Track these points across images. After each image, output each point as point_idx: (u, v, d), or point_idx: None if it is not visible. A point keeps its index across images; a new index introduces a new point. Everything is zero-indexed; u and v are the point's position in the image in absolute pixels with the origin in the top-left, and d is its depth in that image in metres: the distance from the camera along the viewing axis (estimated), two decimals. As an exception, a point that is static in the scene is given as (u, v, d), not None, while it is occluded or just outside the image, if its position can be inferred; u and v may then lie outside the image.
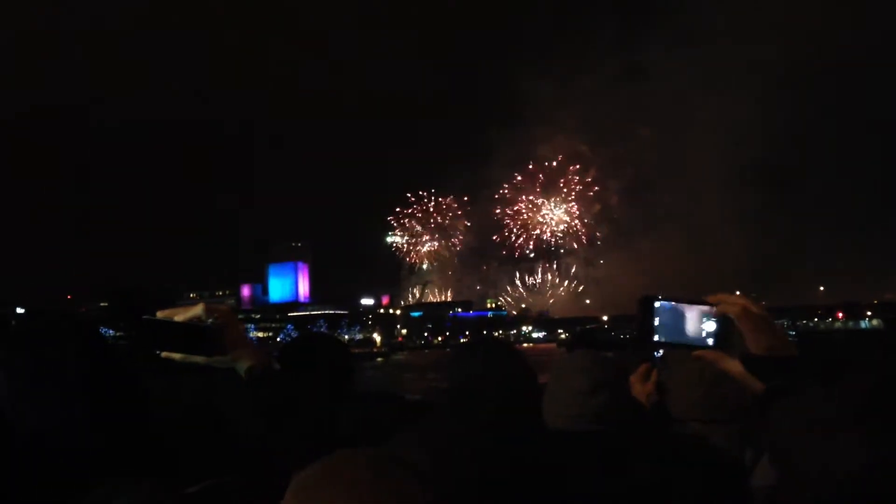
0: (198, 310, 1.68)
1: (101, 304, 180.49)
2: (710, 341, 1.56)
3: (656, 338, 1.58)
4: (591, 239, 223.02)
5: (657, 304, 1.58)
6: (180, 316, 1.66)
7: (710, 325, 1.55)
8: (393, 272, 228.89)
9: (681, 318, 1.58)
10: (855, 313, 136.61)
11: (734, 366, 1.54)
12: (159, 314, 1.66)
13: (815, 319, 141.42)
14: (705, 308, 1.56)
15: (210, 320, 1.69)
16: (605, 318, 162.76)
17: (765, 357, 1.45)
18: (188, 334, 1.65)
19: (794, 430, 1.36)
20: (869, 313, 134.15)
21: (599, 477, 1.85)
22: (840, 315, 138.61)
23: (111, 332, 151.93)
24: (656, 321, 1.58)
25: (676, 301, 1.59)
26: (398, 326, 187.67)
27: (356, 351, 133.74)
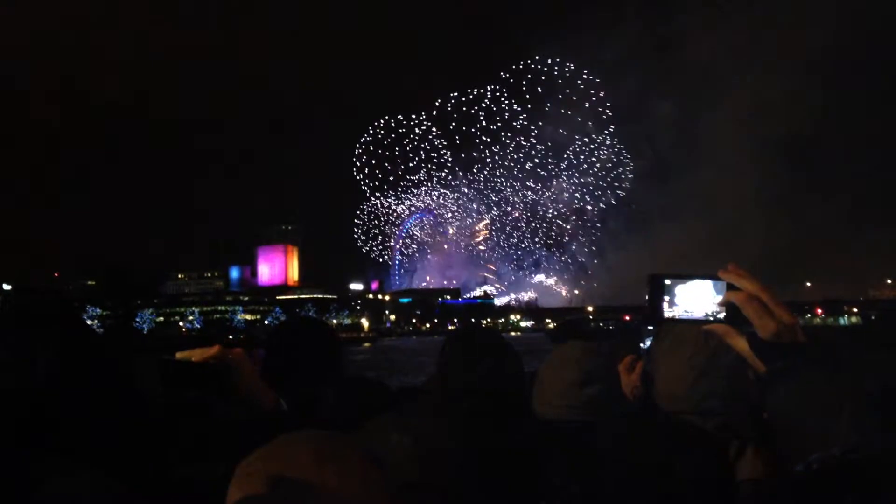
0: (213, 351, 1.75)
1: (89, 282, 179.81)
2: (721, 315, 1.58)
3: (666, 314, 1.59)
4: (603, 224, 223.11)
5: (667, 282, 1.60)
6: (197, 357, 1.73)
7: (721, 299, 1.57)
8: (384, 257, 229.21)
9: (690, 293, 1.60)
10: (834, 310, 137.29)
11: (740, 342, 1.56)
12: (178, 355, 1.73)
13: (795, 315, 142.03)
14: (716, 282, 1.57)
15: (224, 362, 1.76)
16: (589, 308, 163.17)
17: (768, 342, 1.47)
18: (203, 375, 1.72)
19: (791, 412, 1.39)
20: (855, 310, 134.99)
21: (588, 467, 1.85)
22: (819, 311, 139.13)
23: (98, 310, 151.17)
24: (666, 298, 1.60)
25: (685, 277, 1.61)
26: (387, 312, 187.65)
27: (344, 336, 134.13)
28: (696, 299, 1.59)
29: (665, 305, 1.58)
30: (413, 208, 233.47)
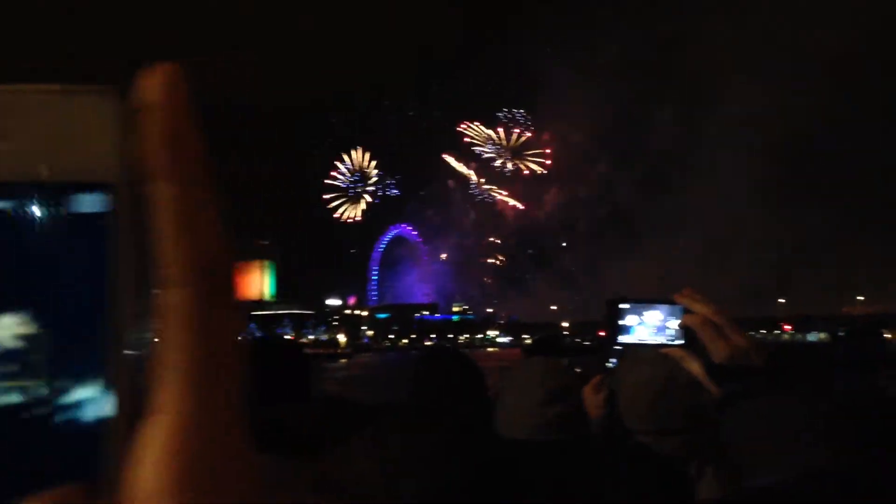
0: None
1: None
2: (677, 340, 1.60)
3: (624, 339, 1.62)
4: (595, 236, 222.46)
5: (623, 306, 1.62)
6: None
7: (677, 324, 1.59)
8: (362, 272, 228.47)
9: (648, 318, 1.62)
10: (803, 326, 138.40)
11: (695, 365, 1.59)
12: None
13: (763, 331, 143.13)
14: (672, 307, 1.59)
15: None
16: (565, 324, 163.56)
17: (722, 366, 1.48)
18: None
19: (743, 435, 1.41)
20: (837, 326, 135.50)
21: (552, 487, 1.82)
22: (787, 327, 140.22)
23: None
24: (623, 322, 1.62)
25: (643, 302, 1.62)
26: (364, 327, 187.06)
27: (320, 351, 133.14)
28: (653, 324, 1.61)
29: (623, 330, 1.60)
30: (391, 221, 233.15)
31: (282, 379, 2.41)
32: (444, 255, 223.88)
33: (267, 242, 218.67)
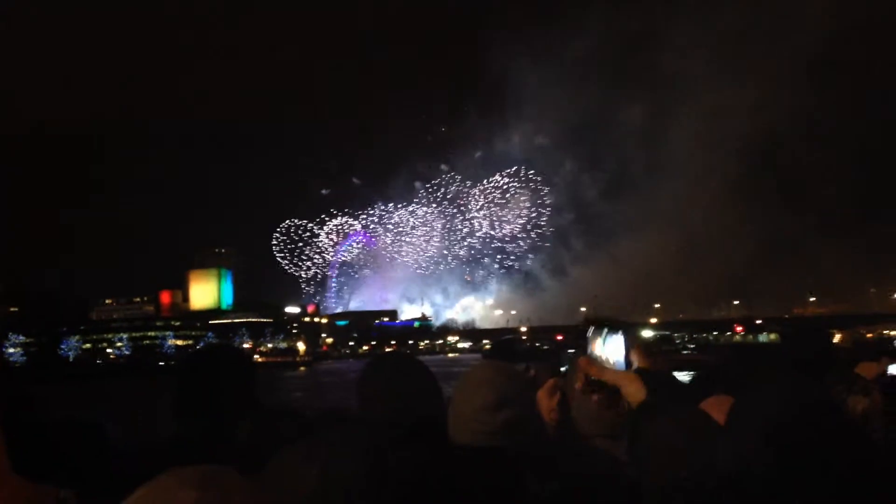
0: None
1: (12, 309, 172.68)
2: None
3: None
4: (561, 240, 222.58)
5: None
6: None
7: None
8: (322, 279, 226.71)
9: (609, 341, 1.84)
10: (754, 327, 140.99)
11: (611, 373, 1.80)
12: None
13: (715, 333, 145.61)
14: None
15: None
16: (523, 328, 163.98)
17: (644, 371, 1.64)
18: None
19: (650, 447, 1.53)
20: (786, 326, 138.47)
21: (500, 493, 1.82)
22: (738, 329, 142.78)
23: (21, 337, 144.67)
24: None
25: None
26: (323, 335, 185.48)
27: (279, 360, 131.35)
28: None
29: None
30: (350, 228, 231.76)
31: (226, 388, 2.39)
32: (414, 265, 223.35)
33: (224, 250, 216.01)
